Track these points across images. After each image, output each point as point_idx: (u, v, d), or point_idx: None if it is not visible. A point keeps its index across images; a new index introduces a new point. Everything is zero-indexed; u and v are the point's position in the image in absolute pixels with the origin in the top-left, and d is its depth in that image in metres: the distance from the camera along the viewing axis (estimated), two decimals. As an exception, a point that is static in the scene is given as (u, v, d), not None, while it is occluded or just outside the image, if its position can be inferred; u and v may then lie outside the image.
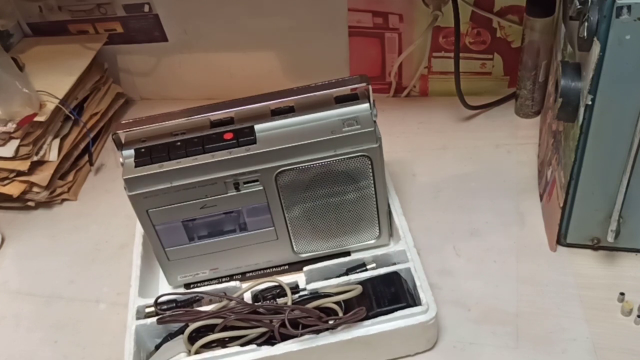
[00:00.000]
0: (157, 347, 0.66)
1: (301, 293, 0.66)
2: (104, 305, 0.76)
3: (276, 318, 0.62)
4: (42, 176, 0.87)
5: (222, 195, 0.66)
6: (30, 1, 0.99)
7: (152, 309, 0.67)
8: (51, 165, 0.88)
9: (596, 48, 0.56)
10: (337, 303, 0.64)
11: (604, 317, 0.66)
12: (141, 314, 0.67)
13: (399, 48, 0.95)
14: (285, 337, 0.62)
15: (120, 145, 0.65)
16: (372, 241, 0.73)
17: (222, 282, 0.71)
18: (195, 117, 0.64)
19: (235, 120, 0.66)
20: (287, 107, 0.66)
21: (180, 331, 0.65)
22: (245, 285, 0.68)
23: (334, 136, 0.63)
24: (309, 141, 0.63)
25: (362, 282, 0.65)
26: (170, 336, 0.66)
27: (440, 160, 0.89)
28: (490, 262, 0.73)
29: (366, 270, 0.68)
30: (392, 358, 0.65)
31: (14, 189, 0.86)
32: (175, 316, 0.64)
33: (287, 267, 0.74)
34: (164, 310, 0.67)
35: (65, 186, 0.91)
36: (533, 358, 0.63)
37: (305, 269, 0.68)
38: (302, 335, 0.61)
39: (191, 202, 0.66)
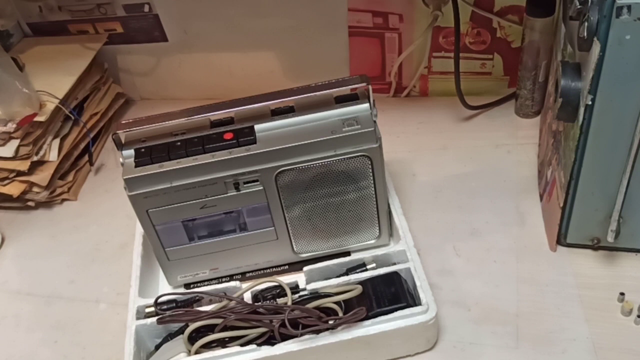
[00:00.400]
0: (157, 347, 0.66)
1: (301, 293, 0.66)
2: (104, 305, 0.76)
3: (276, 318, 0.62)
4: (42, 176, 0.87)
5: (222, 195, 0.66)
6: (30, 1, 0.99)
7: (152, 309, 0.67)
8: (51, 165, 0.88)
9: (596, 48, 0.56)
10: (337, 303, 0.64)
11: (604, 317, 0.66)
12: (141, 314, 0.67)
13: (399, 48, 0.95)
14: (285, 337, 0.62)
15: (120, 145, 0.65)
16: (372, 241, 0.73)
17: (222, 282, 0.71)
18: (195, 117, 0.64)
19: (235, 120, 0.66)
20: (287, 107, 0.66)
21: (180, 331, 0.65)
22: (245, 285, 0.68)
23: (334, 136, 0.63)
24: (309, 141, 0.63)
25: (362, 282, 0.65)
26: (170, 336, 0.66)
27: (440, 160, 0.89)
28: (490, 262, 0.73)
29: (366, 270, 0.68)
30: (392, 358, 0.65)
31: (14, 189, 0.86)
32: (175, 316, 0.64)
33: (287, 267, 0.74)
34: (164, 310, 0.67)
35: (65, 186, 0.91)
36: (533, 358, 0.63)
37: (305, 269, 0.68)
38: (302, 335, 0.61)
39: (191, 202, 0.66)
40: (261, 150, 0.63)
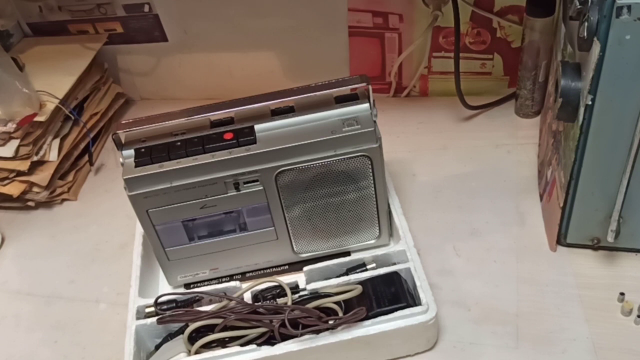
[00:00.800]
0: (157, 347, 0.66)
1: (301, 293, 0.66)
2: (104, 305, 0.76)
3: (276, 318, 0.62)
4: (42, 176, 0.87)
5: (222, 195, 0.66)
6: (30, 1, 0.99)
7: (152, 309, 0.67)
8: (51, 165, 0.88)
9: (596, 48, 0.56)
10: (337, 303, 0.64)
11: (604, 317, 0.66)
12: (141, 314, 0.67)
13: (399, 48, 0.95)
14: (285, 337, 0.62)
15: (120, 145, 0.65)
16: (372, 241, 0.73)
17: (222, 282, 0.71)
18: (195, 117, 0.64)
19: (235, 120, 0.66)
20: (287, 107, 0.66)
21: (180, 331, 0.65)
22: (245, 285, 0.68)
23: (334, 136, 0.63)
24: (309, 141, 0.63)
25: (362, 282, 0.65)
26: (170, 336, 0.66)
27: (440, 160, 0.89)
28: (490, 262, 0.73)
29: (366, 270, 0.68)
30: (392, 358, 0.65)
31: (14, 189, 0.86)
32: (175, 316, 0.64)
33: (287, 267, 0.74)
34: (164, 310, 0.67)
35: (65, 186, 0.91)
36: (533, 358, 0.63)
37: (305, 269, 0.68)
38: (302, 335, 0.61)
39: (191, 202, 0.66)
40: (261, 150, 0.63)
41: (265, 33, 0.97)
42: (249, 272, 0.74)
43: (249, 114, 0.66)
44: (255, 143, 0.64)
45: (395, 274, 0.66)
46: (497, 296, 0.69)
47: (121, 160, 0.64)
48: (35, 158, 0.86)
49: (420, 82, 0.99)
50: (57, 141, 0.89)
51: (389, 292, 0.64)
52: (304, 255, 0.73)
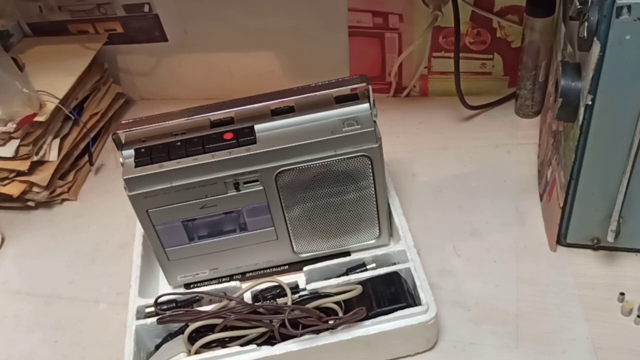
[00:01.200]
0: (157, 347, 0.66)
1: (301, 293, 0.66)
2: (104, 305, 0.76)
3: (276, 318, 0.62)
4: (42, 176, 0.87)
5: (222, 195, 0.66)
6: (30, 1, 0.99)
7: (152, 309, 0.67)
8: (51, 165, 0.88)
9: (596, 48, 0.56)
10: (337, 303, 0.64)
11: (604, 317, 0.66)
12: (141, 314, 0.67)
13: (399, 48, 0.95)
14: (285, 337, 0.62)
15: (120, 145, 0.65)
16: (372, 241, 0.73)
17: (222, 282, 0.71)
18: (195, 117, 0.64)
19: (235, 120, 0.66)
20: (287, 107, 0.66)
21: (180, 331, 0.65)
22: (245, 285, 0.68)
23: (334, 136, 0.63)
24: (309, 141, 0.63)
25: (362, 282, 0.65)
26: (170, 336, 0.66)
27: (440, 160, 0.89)
28: (490, 262, 0.73)
29: (366, 270, 0.68)
30: (392, 358, 0.65)
31: (14, 189, 0.86)
32: (175, 316, 0.64)
33: (287, 267, 0.74)
34: (164, 310, 0.67)
35: (65, 186, 0.91)
36: (533, 358, 0.63)
37: (305, 269, 0.68)
38: (302, 335, 0.61)
39: (191, 202, 0.66)
40: (261, 150, 0.63)
41: (265, 33, 0.97)
42: (249, 272, 0.74)
43: (249, 114, 0.66)
44: (255, 143, 0.64)
45: (395, 274, 0.66)
46: (497, 296, 0.69)
47: (121, 160, 0.64)
48: (35, 158, 0.86)
49: (420, 82, 0.99)
50: (57, 141, 0.89)
51: (389, 292, 0.64)
52: (304, 255, 0.73)
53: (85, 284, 0.79)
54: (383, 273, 0.66)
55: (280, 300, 0.65)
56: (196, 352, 0.62)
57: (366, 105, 0.65)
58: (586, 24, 0.56)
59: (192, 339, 0.63)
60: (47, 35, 1.02)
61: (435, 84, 0.99)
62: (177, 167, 0.63)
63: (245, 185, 0.65)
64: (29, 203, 0.90)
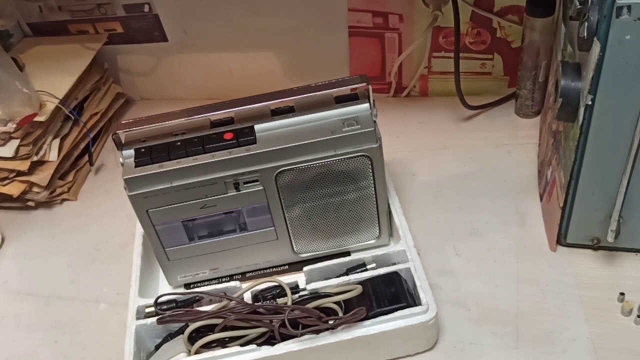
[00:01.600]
0: (157, 347, 0.66)
1: (301, 293, 0.66)
2: (104, 305, 0.76)
3: (276, 318, 0.62)
4: (42, 176, 0.87)
5: (222, 195, 0.66)
6: (30, 1, 0.99)
7: (152, 309, 0.67)
8: (51, 165, 0.88)
9: (596, 48, 0.56)
10: (337, 303, 0.64)
11: (604, 317, 0.66)
12: (141, 314, 0.67)
13: (399, 48, 0.95)
14: (285, 337, 0.62)
15: (120, 145, 0.65)
16: (372, 241, 0.73)
17: (222, 282, 0.71)
18: (195, 117, 0.64)
19: (235, 120, 0.66)
20: (287, 107, 0.66)
21: (180, 331, 0.65)
22: (245, 285, 0.68)
23: (334, 136, 0.63)
24: (309, 141, 0.63)
25: (362, 282, 0.65)
26: (170, 336, 0.66)
27: (440, 160, 0.89)
28: (490, 262, 0.73)
29: (366, 270, 0.68)
30: (392, 358, 0.65)
31: (14, 189, 0.86)
32: (175, 316, 0.64)
33: (287, 267, 0.74)
34: (164, 310, 0.67)
35: (65, 186, 0.91)
36: (533, 358, 0.63)
37: (305, 269, 0.68)
38: (302, 335, 0.61)
39: (191, 202, 0.66)
40: (261, 150, 0.63)
41: (265, 33, 0.97)
42: (249, 272, 0.74)
43: (249, 114, 0.66)
44: (255, 143, 0.64)
45: (395, 274, 0.66)
46: (497, 296, 0.69)
47: (121, 160, 0.64)
48: (35, 158, 0.86)
49: (420, 82, 0.99)
50: (57, 141, 0.89)
51: (389, 292, 0.64)
52: (304, 255, 0.73)
53: (85, 284, 0.79)
54: (383, 273, 0.66)
55: (280, 300, 0.65)
56: (196, 352, 0.62)
57: (366, 105, 0.65)
58: (586, 24, 0.56)
59: (192, 339, 0.63)
60: (47, 35, 1.02)
61: (435, 84, 0.99)
62: (177, 167, 0.63)
63: (245, 185, 0.65)
64: (29, 203, 0.90)
